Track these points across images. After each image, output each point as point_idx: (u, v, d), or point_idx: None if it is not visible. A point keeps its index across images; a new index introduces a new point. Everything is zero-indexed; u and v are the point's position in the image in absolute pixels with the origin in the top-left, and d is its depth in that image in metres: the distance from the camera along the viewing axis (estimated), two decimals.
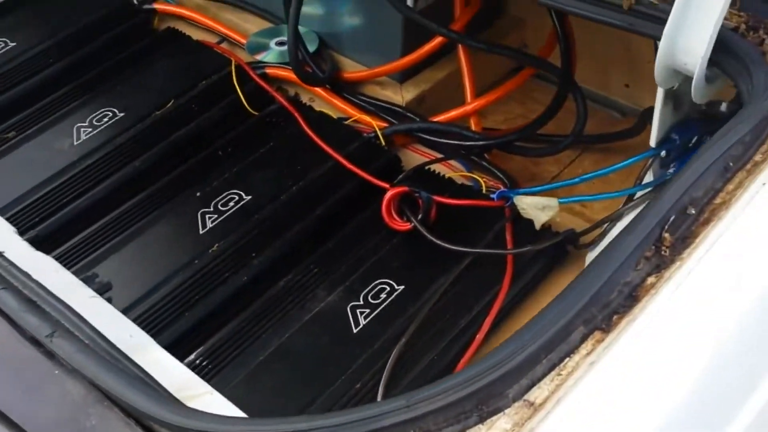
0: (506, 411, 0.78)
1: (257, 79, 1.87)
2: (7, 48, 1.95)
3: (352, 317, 1.41)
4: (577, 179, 1.42)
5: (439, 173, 1.70)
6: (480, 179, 1.67)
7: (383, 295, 1.45)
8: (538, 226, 1.44)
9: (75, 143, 1.74)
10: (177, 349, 1.38)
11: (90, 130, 1.77)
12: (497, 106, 2.02)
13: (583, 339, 0.82)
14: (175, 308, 1.44)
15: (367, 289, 1.45)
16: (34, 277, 0.98)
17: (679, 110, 1.31)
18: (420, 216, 1.51)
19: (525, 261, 1.47)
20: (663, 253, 0.87)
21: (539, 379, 0.79)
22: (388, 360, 1.33)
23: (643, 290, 0.85)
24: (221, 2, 2.12)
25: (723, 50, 1.10)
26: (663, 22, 1.10)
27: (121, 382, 0.84)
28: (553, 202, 1.39)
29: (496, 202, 1.52)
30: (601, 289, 0.83)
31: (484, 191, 1.64)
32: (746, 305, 0.83)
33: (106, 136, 1.75)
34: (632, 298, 0.84)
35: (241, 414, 0.91)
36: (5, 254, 1.00)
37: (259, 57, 1.98)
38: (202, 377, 1.31)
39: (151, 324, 1.41)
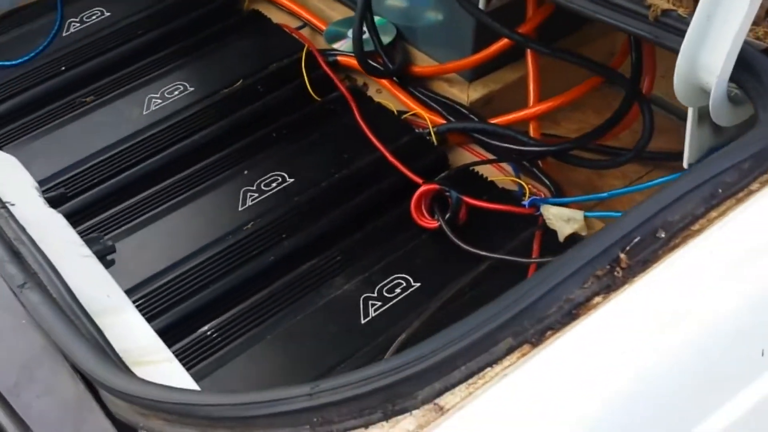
0: (413, 412, 0.76)
1: (324, 66, 1.90)
2: (103, 17, 2.07)
3: (363, 308, 1.42)
4: (605, 194, 1.36)
5: (483, 175, 1.68)
6: (525, 186, 1.63)
7: (398, 290, 1.44)
8: (561, 237, 1.40)
9: (144, 113, 1.83)
10: (192, 319, 1.44)
11: (160, 101, 1.86)
12: (573, 115, 1.96)
13: (510, 351, 0.79)
14: (200, 280, 1.50)
15: (383, 282, 1.46)
16: (34, 231, 1.04)
17: (720, 133, 1.23)
18: (448, 215, 1.50)
19: None
20: (616, 273, 0.83)
21: (453, 385, 0.77)
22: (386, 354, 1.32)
23: (584, 309, 0.81)
24: None
25: (748, 71, 1.03)
26: None
27: (71, 338, 0.88)
28: (578, 215, 1.35)
29: (527, 209, 1.48)
30: (538, 302, 0.80)
31: (526, 198, 1.60)
32: (679, 343, 0.77)
33: (173, 108, 1.84)
34: (571, 315, 0.80)
35: (194, 385, 0.93)
36: (12, 207, 1.06)
37: (335, 45, 2.01)
38: (210, 349, 1.37)
39: (174, 293, 1.48)
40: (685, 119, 1.91)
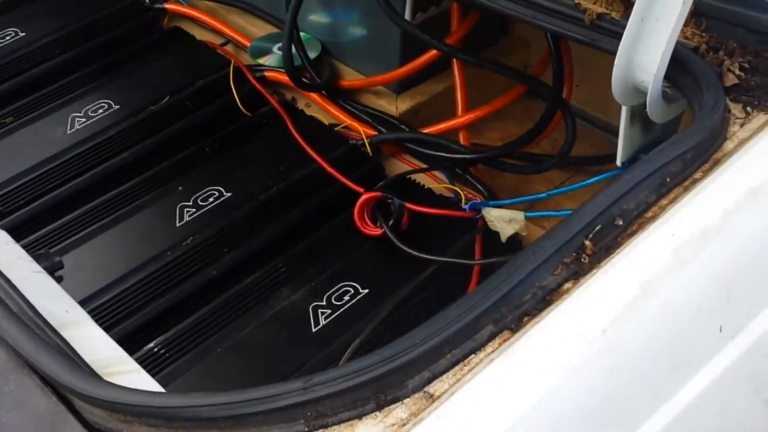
0: (404, 401, 0.78)
1: (253, 81, 1.90)
2: (17, 37, 2.01)
3: (313, 317, 1.43)
4: (543, 194, 1.42)
5: (420, 183, 1.71)
6: (461, 192, 1.68)
7: (346, 297, 1.46)
8: (504, 238, 1.44)
9: (68, 132, 1.79)
10: (139, 336, 1.41)
11: (84, 120, 1.82)
12: (494, 124, 2.03)
13: (491, 337, 0.82)
14: (143, 296, 1.47)
15: (331, 291, 1.47)
16: None
17: (650, 130, 1.30)
18: (391, 222, 1.52)
19: (491, 273, 1.46)
20: (582, 260, 0.87)
21: (441, 373, 0.80)
22: (341, 360, 1.33)
23: (557, 295, 0.85)
24: (231, 5, 2.16)
25: (680, 69, 1.10)
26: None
27: (39, 351, 0.86)
28: (519, 215, 1.39)
29: (467, 213, 1.52)
30: (514, 289, 0.83)
31: (463, 204, 1.64)
32: (649, 318, 0.82)
33: (98, 126, 1.79)
34: (545, 301, 0.84)
35: (160, 390, 0.92)
36: None
37: (261, 61, 2.02)
38: (158, 365, 1.34)
39: (117, 310, 1.44)
40: (596, 125, 2.05)
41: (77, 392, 0.84)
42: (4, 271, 0.97)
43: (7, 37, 2.01)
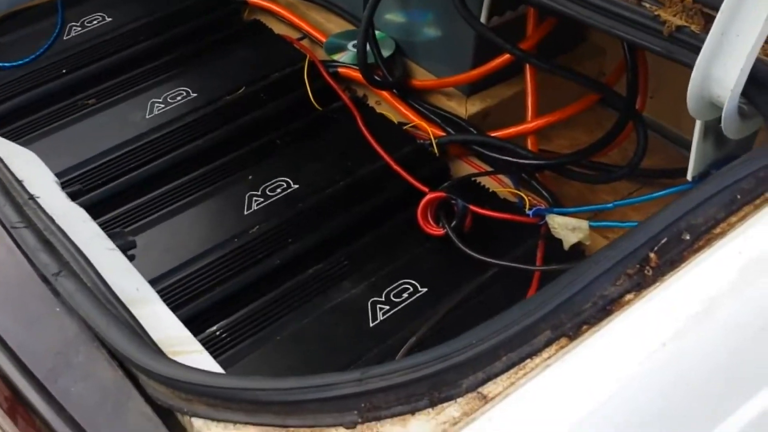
0: (458, 400, 0.79)
1: (326, 76, 1.93)
2: (104, 22, 2.08)
3: (371, 312, 1.44)
4: (610, 204, 1.41)
5: (485, 186, 1.72)
6: (525, 197, 1.67)
7: (405, 295, 1.47)
8: (566, 246, 1.44)
9: (147, 117, 1.84)
10: (201, 319, 1.45)
11: (163, 106, 1.87)
12: (563, 131, 2.01)
13: (548, 343, 0.82)
14: (208, 281, 1.51)
15: (390, 287, 1.48)
16: (61, 222, 1.05)
17: (723, 146, 1.28)
18: (454, 223, 1.53)
19: (551, 280, 1.46)
20: (646, 272, 0.86)
21: (496, 375, 0.80)
22: (396, 356, 1.34)
23: (618, 305, 0.84)
24: (310, 1, 2.20)
25: (758, 86, 1.08)
26: None
27: (109, 325, 0.89)
28: (583, 224, 1.39)
29: (531, 218, 1.52)
30: (574, 297, 0.83)
31: (526, 209, 1.64)
32: (711, 334, 0.81)
33: (176, 113, 1.85)
34: (605, 311, 0.84)
35: (221, 371, 0.94)
36: (39, 199, 1.07)
37: (335, 57, 2.05)
38: (219, 348, 1.38)
39: (182, 293, 1.48)
40: (669, 138, 2.01)
41: (142, 368, 0.87)
42: (81, 247, 1.01)
43: (95, 22, 2.09)
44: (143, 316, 0.97)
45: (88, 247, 1.03)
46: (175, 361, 0.88)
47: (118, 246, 1.14)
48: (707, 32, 1.11)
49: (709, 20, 1.14)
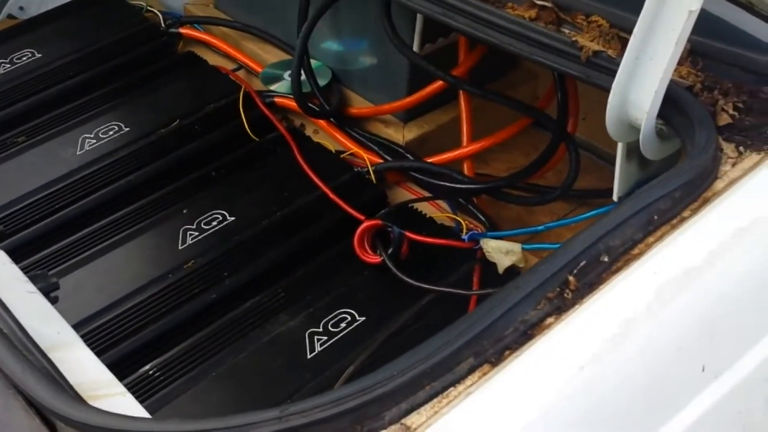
0: None
1: (262, 107, 1.93)
2: (33, 58, 2.05)
3: (309, 343, 1.43)
4: (541, 227, 1.42)
5: (422, 212, 1.72)
6: (462, 222, 1.68)
7: (343, 324, 1.46)
8: (501, 269, 1.45)
9: (78, 153, 1.81)
10: (135, 358, 1.43)
11: (94, 141, 1.84)
12: (501, 155, 2.03)
13: (471, 370, 0.82)
14: (141, 318, 1.48)
15: (328, 317, 1.47)
16: None
17: (647, 166, 1.30)
18: (390, 250, 1.53)
19: None
20: (566, 295, 0.87)
21: (419, 405, 0.80)
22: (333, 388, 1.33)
23: (539, 329, 0.85)
24: (245, 32, 2.19)
25: (674, 107, 1.10)
26: None
27: (24, 372, 0.87)
28: (516, 247, 1.40)
29: (466, 243, 1.53)
30: (496, 322, 0.84)
31: (463, 234, 1.65)
32: (628, 356, 0.82)
33: (108, 148, 1.82)
34: (527, 335, 0.84)
35: (144, 415, 0.92)
36: None
37: (272, 87, 2.04)
38: (152, 388, 1.35)
39: (115, 332, 1.46)
40: (603, 158, 2.04)
41: (60, 415, 0.85)
42: (1, 291, 0.99)
43: (24, 58, 2.05)
44: (63, 360, 0.95)
45: (6, 291, 1.01)
46: (92, 407, 0.87)
47: (39, 288, 1.11)
48: (623, 56, 1.13)
49: (625, 44, 1.16)
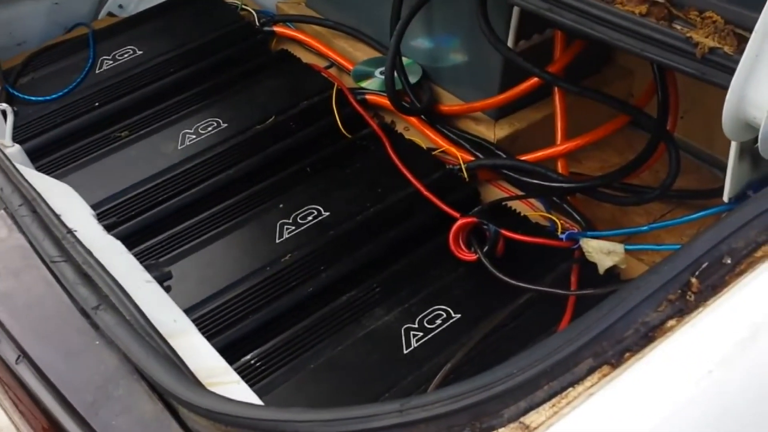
0: (500, 430, 0.78)
1: (354, 104, 1.94)
2: (135, 55, 2.12)
3: (405, 339, 1.44)
4: (645, 227, 1.39)
5: (516, 211, 1.71)
6: (557, 221, 1.67)
7: (438, 321, 1.46)
8: (601, 270, 1.42)
9: (179, 147, 1.86)
10: (235, 348, 1.46)
11: (194, 137, 1.89)
12: (594, 153, 2.00)
13: (590, 371, 0.81)
14: (241, 310, 1.52)
15: (423, 314, 1.48)
16: (99, 255, 1.05)
17: (759, 167, 1.27)
18: (486, 248, 1.53)
19: (586, 305, 1.45)
20: (688, 297, 0.85)
21: (538, 404, 0.79)
22: (432, 383, 1.34)
23: (660, 332, 0.83)
24: (337, 30, 2.22)
25: None
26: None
27: (148, 358, 0.90)
28: (618, 248, 1.38)
29: (564, 242, 1.51)
30: (616, 324, 0.82)
31: (559, 233, 1.63)
32: (758, 361, 0.80)
33: (207, 143, 1.87)
34: (648, 338, 0.83)
35: (259, 403, 0.94)
36: (76, 233, 1.09)
37: (363, 84, 2.06)
38: (254, 377, 1.38)
39: (216, 322, 1.49)
40: (701, 158, 1.99)
41: (182, 400, 0.87)
42: (119, 280, 1.02)
43: (126, 55, 2.12)
44: (181, 348, 0.97)
45: (125, 279, 1.04)
46: (214, 393, 0.89)
47: (154, 278, 1.15)
48: (740, 53, 1.10)
49: (741, 41, 1.13)
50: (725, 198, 1.26)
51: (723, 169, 1.94)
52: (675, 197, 1.81)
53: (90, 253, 1.04)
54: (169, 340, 0.97)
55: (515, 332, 1.44)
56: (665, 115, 1.68)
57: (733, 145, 1.19)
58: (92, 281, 1.00)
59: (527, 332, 1.43)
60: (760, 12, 1.05)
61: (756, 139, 1.16)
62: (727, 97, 1.08)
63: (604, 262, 1.41)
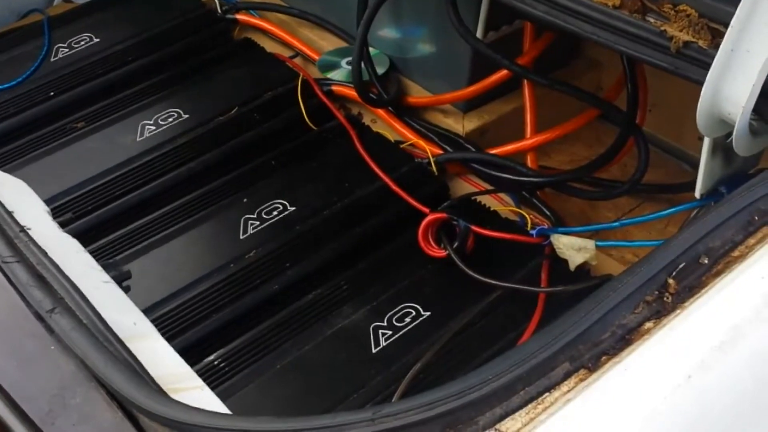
0: None
1: (321, 95, 1.90)
2: (92, 43, 2.05)
3: (374, 337, 1.41)
4: (616, 223, 1.38)
5: (485, 205, 1.69)
6: (527, 216, 1.65)
7: (408, 319, 1.44)
8: (572, 266, 1.41)
9: (138, 139, 1.81)
10: (198, 348, 1.41)
11: (154, 128, 1.83)
12: (563, 147, 1.99)
13: (567, 376, 0.79)
14: (204, 308, 1.47)
15: (392, 311, 1.45)
16: (53, 255, 1.01)
17: (731, 163, 1.26)
18: (456, 244, 1.50)
19: (557, 302, 1.43)
20: (665, 299, 0.83)
21: (514, 411, 0.77)
22: (401, 383, 1.31)
23: (637, 335, 0.81)
24: (302, 18, 2.17)
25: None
26: (710, 67, 1.06)
27: (107, 364, 0.86)
28: (590, 244, 1.36)
29: (534, 238, 1.49)
30: (592, 327, 0.80)
31: (528, 228, 1.61)
32: (738, 365, 0.78)
33: (167, 135, 1.81)
34: (625, 341, 0.81)
35: (225, 410, 0.91)
36: (30, 231, 1.04)
37: (328, 75, 2.02)
38: (217, 379, 1.34)
39: (177, 321, 1.45)
40: (669, 152, 1.99)
41: (143, 408, 0.83)
42: (75, 281, 0.98)
43: (82, 42, 2.05)
44: (141, 352, 0.93)
45: (82, 280, 0.99)
46: (177, 402, 0.85)
47: (112, 278, 1.10)
48: (715, 47, 1.08)
49: (716, 35, 1.12)
50: (697, 194, 1.25)
51: (691, 162, 1.96)
52: (643, 191, 1.81)
53: (44, 252, 1.00)
54: (129, 345, 0.93)
55: (485, 330, 1.42)
56: (635, 108, 1.67)
57: (706, 141, 1.17)
58: (47, 283, 0.95)
59: (497, 330, 1.41)
60: (733, 5, 1.04)
61: (729, 135, 1.15)
62: (702, 92, 1.07)
63: (575, 259, 1.39)
